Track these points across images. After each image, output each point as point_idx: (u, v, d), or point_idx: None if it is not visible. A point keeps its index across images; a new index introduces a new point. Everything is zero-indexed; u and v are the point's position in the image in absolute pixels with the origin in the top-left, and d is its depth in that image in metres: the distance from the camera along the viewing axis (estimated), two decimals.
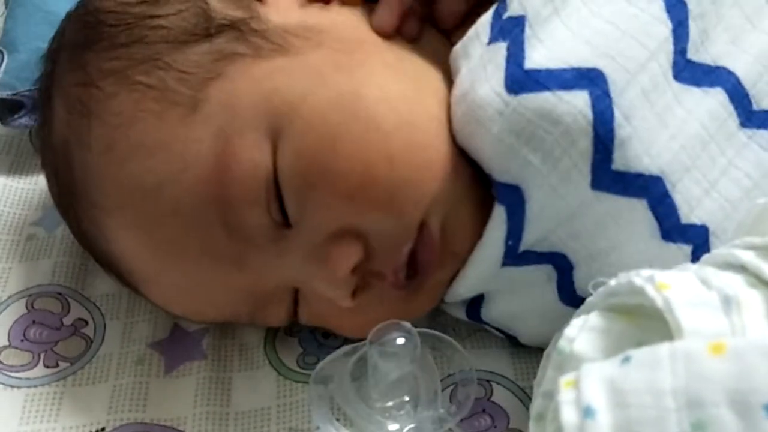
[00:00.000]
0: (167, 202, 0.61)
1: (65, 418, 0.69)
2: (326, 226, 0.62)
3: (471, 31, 0.63)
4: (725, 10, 0.62)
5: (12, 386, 0.71)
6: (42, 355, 0.74)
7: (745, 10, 0.63)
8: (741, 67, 0.61)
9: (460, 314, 0.70)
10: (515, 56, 0.58)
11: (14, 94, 0.86)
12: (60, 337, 0.75)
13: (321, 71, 0.62)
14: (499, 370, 0.70)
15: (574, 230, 0.60)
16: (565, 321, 0.58)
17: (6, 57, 0.89)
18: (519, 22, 0.60)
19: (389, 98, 0.62)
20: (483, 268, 0.64)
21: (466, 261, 0.64)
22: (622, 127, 0.57)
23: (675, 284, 0.48)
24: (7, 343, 0.74)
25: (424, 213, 0.62)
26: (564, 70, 0.57)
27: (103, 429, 0.68)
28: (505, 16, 0.61)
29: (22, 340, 0.74)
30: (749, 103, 0.61)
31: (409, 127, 0.61)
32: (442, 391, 0.67)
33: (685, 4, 0.60)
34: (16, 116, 0.87)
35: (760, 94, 0.61)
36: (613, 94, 0.57)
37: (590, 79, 0.57)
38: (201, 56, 0.62)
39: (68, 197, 0.68)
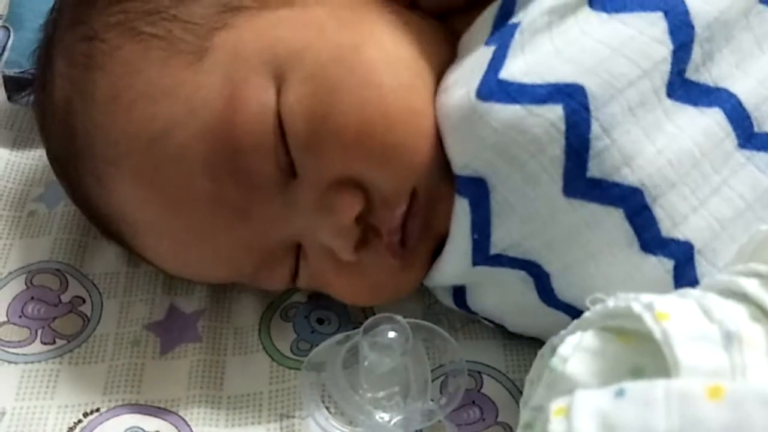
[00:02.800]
0: (174, 147, 0.59)
1: (61, 396, 0.67)
2: (328, 173, 0.60)
3: (474, 26, 0.61)
4: (735, 33, 0.58)
5: (9, 362, 0.69)
6: (39, 332, 0.71)
7: (756, 34, 0.59)
8: (743, 89, 0.58)
9: (449, 302, 0.68)
10: (495, 63, 0.56)
11: (21, 72, 0.83)
12: (58, 314, 0.72)
13: (323, 25, 0.61)
14: (491, 362, 0.68)
15: (547, 240, 0.58)
16: (550, 319, 0.57)
17: (12, 34, 0.86)
18: (512, 30, 0.57)
19: (389, 59, 0.60)
20: (454, 262, 0.62)
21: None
22: (599, 139, 0.54)
23: (675, 314, 0.45)
24: (5, 319, 0.72)
25: (417, 179, 0.60)
26: (538, 86, 0.54)
27: (98, 409, 0.66)
28: (511, 21, 0.58)
29: (20, 316, 0.72)
30: (750, 125, 0.57)
31: (407, 91, 0.60)
32: (433, 381, 0.65)
33: (692, 27, 0.56)
34: (23, 93, 0.84)
35: (763, 116, 0.58)
36: (592, 107, 0.54)
37: (567, 94, 0.54)
38: (206, 8, 0.61)
39: (68, 157, 0.66)
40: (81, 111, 0.63)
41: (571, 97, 0.54)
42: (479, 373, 0.67)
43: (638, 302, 0.46)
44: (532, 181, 0.55)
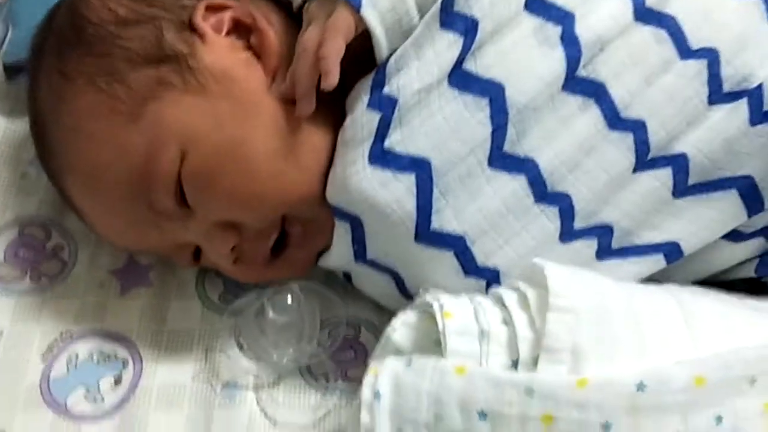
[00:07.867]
0: (108, 180, 0.77)
1: (44, 322, 0.84)
2: (212, 218, 0.78)
3: (355, 90, 0.76)
4: (544, 114, 0.73)
5: (7, 295, 0.86)
6: (29, 271, 0.87)
7: (559, 115, 0.73)
8: (544, 159, 0.73)
9: (341, 276, 0.86)
10: (382, 131, 0.73)
11: (18, 60, 0.94)
12: (43, 258, 0.88)
13: (222, 119, 0.76)
14: (368, 317, 0.84)
15: (402, 262, 0.77)
16: (404, 303, 0.74)
17: (11, 30, 0.96)
18: (392, 103, 0.73)
19: (268, 152, 0.76)
20: (339, 259, 0.80)
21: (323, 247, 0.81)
22: (438, 200, 0.72)
23: (455, 313, 0.63)
24: (3, 260, 0.88)
25: (283, 214, 0.79)
26: (403, 156, 0.72)
27: (70, 333, 0.83)
28: (385, 90, 0.74)
29: (14, 258, 0.88)
30: (545, 186, 0.74)
31: (280, 176, 0.76)
32: (321, 330, 0.82)
33: (506, 113, 0.72)
34: (20, 75, 0.95)
35: (556, 181, 0.74)
36: (435, 177, 0.72)
37: (419, 166, 0.72)
38: (147, 78, 0.76)
39: (42, 144, 0.83)
40: (51, 123, 0.80)
41: (422, 169, 0.72)
42: (359, 325, 0.83)
43: (437, 302, 0.65)
44: (393, 227, 0.73)
